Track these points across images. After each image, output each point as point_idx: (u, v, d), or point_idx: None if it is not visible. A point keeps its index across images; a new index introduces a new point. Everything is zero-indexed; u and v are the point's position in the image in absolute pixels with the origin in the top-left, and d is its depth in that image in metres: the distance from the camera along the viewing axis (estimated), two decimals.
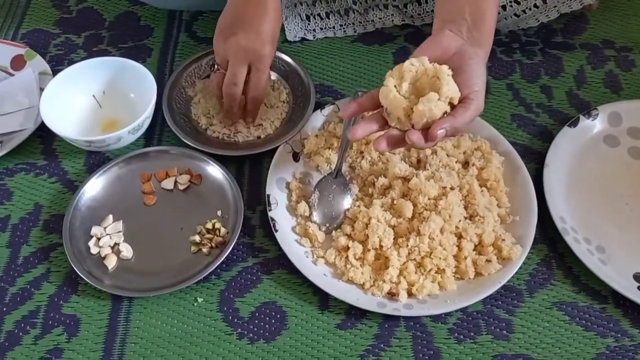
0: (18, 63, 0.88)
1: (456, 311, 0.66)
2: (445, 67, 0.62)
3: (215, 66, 0.77)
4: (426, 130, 0.61)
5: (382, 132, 0.63)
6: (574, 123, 0.79)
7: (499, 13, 0.84)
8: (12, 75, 0.87)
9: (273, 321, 0.67)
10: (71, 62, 0.85)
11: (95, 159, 0.80)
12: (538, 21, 0.86)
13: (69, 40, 0.93)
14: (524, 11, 0.84)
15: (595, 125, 0.80)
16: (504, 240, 0.69)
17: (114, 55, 0.90)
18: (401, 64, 0.63)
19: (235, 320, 0.67)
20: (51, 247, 0.72)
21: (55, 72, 0.84)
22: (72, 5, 0.98)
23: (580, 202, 0.74)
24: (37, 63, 0.87)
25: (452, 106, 0.62)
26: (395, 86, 0.62)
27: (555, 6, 0.83)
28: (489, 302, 0.67)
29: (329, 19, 0.93)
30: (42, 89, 0.81)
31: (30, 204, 0.76)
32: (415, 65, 0.62)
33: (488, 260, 0.68)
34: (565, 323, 0.66)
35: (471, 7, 0.66)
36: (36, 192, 0.77)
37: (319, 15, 0.93)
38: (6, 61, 0.88)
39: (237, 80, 0.75)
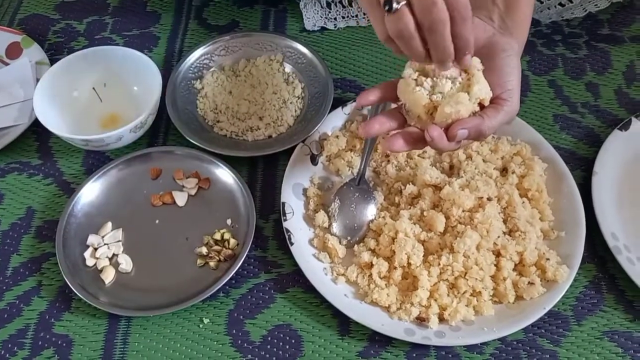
0: (14, 51, 0.82)
1: (494, 340, 0.60)
2: (476, 60, 0.54)
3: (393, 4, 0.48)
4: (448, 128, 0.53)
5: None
6: (625, 126, 0.72)
7: (541, 2, 0.77)
8: (6, 64, 0.81)
9: (287, 347, 0.60)
10: (71, 51, 0.79)
11: (95, 159, 0.73)
12: (585, 10, 0.79)
13: (69, 27, 0.87)
14: (570, 0, 0.75)
15: None
16: (548, 259, 0.62)
17: (117, 44, 0.84)
18: None
19: (245, 344, 0.60)
20: (43, 257, 0.66)
21: (53, 62, 0.77)
22: None
23: (634, 215, 0.67)
24: (34, 51, 0.81)
25: (482, 107, 0.54)
26: (415, 79, 0.54)
27: None
28: (531, 331, 0.61)
29: (351, 6, 0.86)
30: (39, 80, 0.74)
31: (22, 208, 0.70)
32: None
33: (530, 283, 0.60)
34: (618, 356, 0.59)
35: None
36: (29, 195, 0.71)
37: (340, 2, 0.86)
38: (1, 49, 0.82)
39: None
